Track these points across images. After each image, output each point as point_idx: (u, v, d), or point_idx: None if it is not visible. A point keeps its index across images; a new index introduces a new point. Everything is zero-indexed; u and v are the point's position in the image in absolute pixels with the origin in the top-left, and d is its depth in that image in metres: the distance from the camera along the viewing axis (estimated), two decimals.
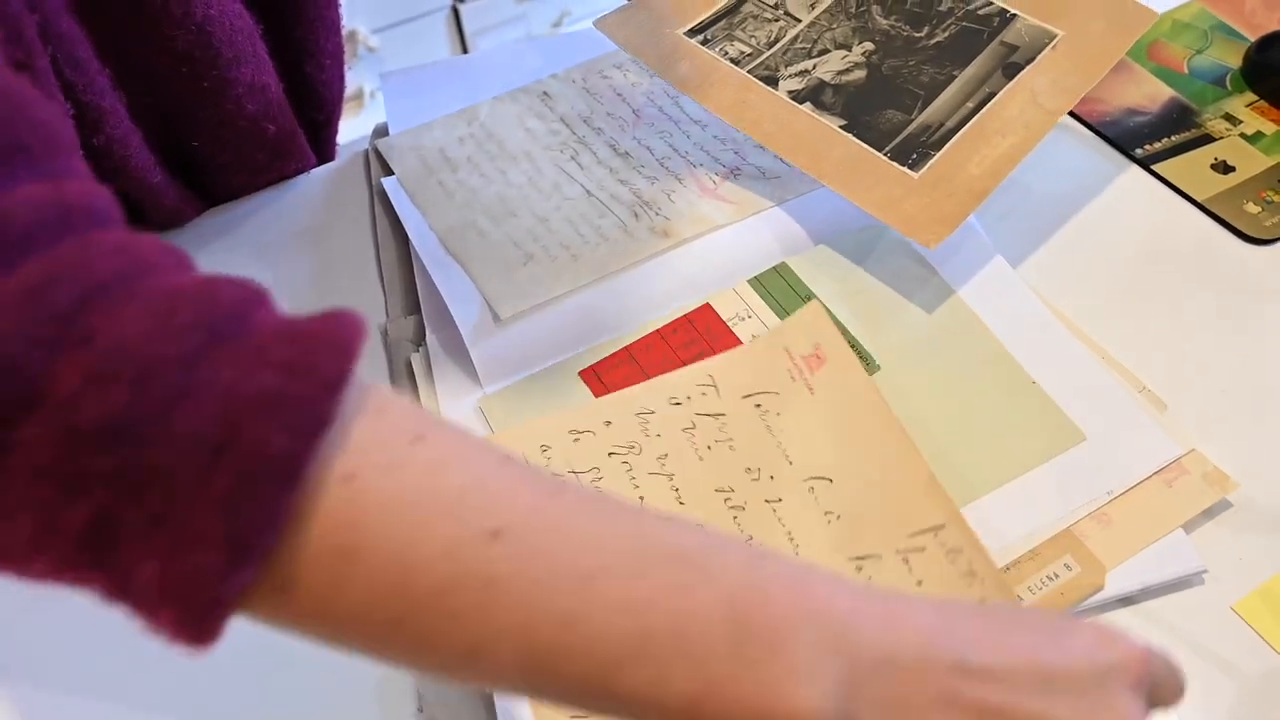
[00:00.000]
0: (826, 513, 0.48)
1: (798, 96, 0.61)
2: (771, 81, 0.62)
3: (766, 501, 0.49)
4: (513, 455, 0.30)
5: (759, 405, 0.52)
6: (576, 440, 0.51)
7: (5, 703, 0.45)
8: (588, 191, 0.61)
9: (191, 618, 0.26)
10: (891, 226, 0.55)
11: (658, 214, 0.60)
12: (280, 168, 0.66)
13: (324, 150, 0.71)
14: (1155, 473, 0.50)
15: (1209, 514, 0.50)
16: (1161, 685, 0.32)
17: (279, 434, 0.26)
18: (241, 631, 0.48)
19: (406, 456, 0.28)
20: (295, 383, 0.26)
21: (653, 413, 0.52)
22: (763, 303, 0.56)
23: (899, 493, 0.48)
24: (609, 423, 0.52)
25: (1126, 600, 0.47)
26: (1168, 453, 0.50)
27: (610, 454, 0.51)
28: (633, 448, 0.51)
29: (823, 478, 0.49)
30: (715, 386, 0.53)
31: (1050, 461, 0.50)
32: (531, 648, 0.27)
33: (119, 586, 0.26)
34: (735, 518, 0.49)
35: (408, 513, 0.27)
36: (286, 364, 0.27)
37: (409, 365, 0.56)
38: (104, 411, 0.25)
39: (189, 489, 0.25)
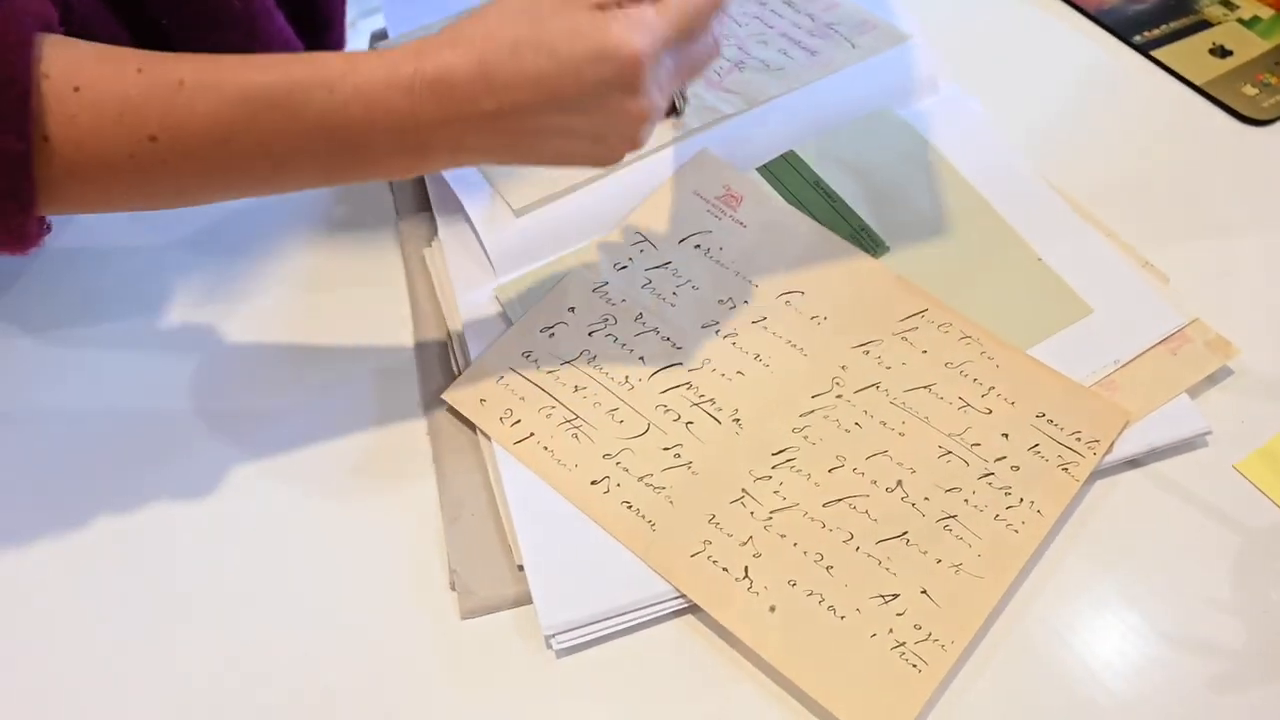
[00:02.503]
0: (813, 317, 0.52)
1: None
2: None
3: (753, 323, 0.52)
4: (143, 59, 0.40)
5: (698, 246, 0.55)
6: (552, 335, 0.52)
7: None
8: None
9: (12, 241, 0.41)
10: None
11: None
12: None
13: None
14: (1160, 342, 0.51)
15: (1212, 380, 0.51)
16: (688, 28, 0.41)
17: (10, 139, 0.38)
18: (274, 527, 0.49)
19: (76, 106, 0.39)
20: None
21: (606, 283, 0.54)
22: (773, 191, 0.57)
23: (873, 291, 0.53)
24: (572, 308, 0.53)
25: (1134, 462, 0.49)
26: (1171, 322, 0.52)
27: (590, 333, 0.52)
28: (607, 319, 0.53)
29: (794, 291, 0.53)
30: (649, 241, 0.55)
31: (1059, 334, 0.52)
32: (217, 185, 0.42)
33: None
34: (733, 343, 0.52)
35: (92, 146, 0.39)
36: None
37: (423, 260, 0.57)
38: None
39: None
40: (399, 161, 0.42)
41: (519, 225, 0.55)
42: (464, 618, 0.46)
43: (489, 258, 0.55)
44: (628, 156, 0.44)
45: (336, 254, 0.58)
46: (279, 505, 0.49)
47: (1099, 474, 0.48)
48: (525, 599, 0.46)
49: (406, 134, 0.40)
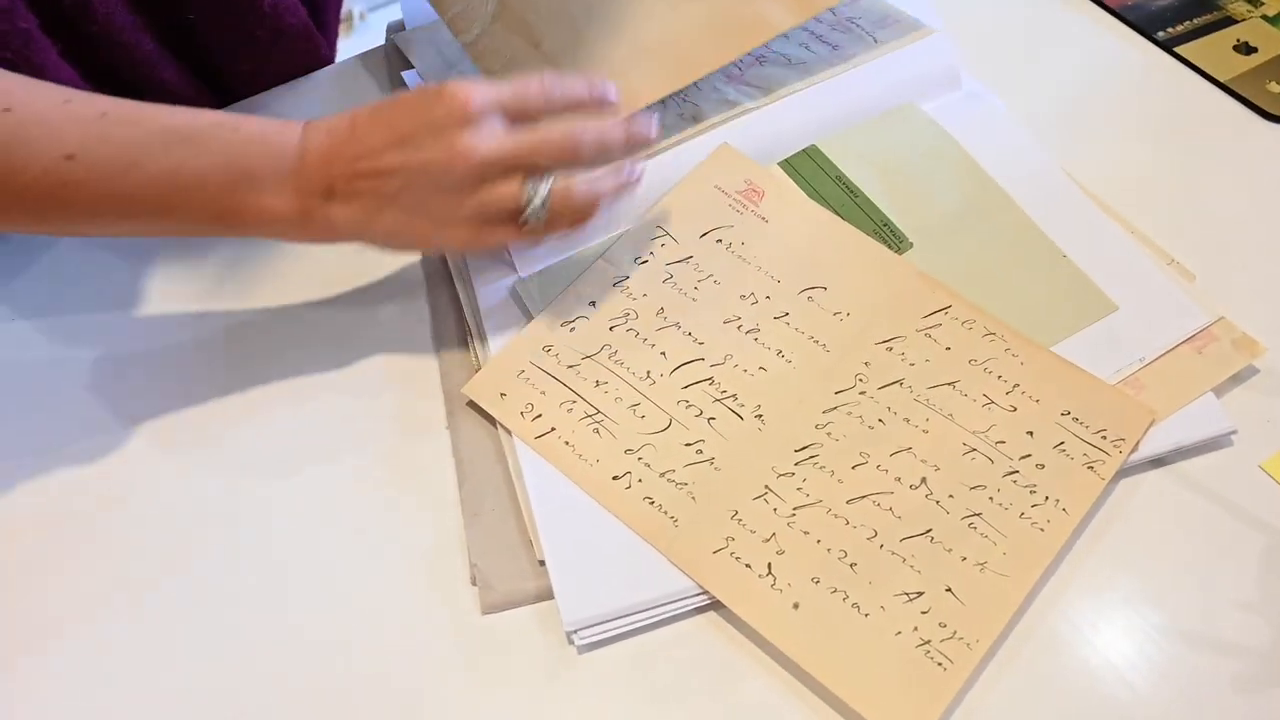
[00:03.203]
0: (836, 313, 0.51)
1: None
2: None
3: (775, 318, 0.52)
4: (71, 94, 0.44)
5: (720, 240, 0.54)
6: (573, 330, 0.52)
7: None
8: None
9: None
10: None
11: (685, 100, 0.59)
12: (287, 49, 0.64)
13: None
14: (1185, 340, 0.51)
15: (1238, 379, 0.51)
16: (522, 105, 0.46)
17: None
18: (294, 522, 0.49)
19: (2, 124, 0.42)
20: None
21: (627, 277, 0.53)
22: (794, 185, 0.57)
23: (896, 287, 0.52)
24: (593, 303, 0.53)
25: (1159, 461, 0.49)
26: (1197, 321, 0.51)
27: (611, 328, 0.52)
28: (628, 314, 0.52)
29: (816, 286, 0.52)
30: (669, 235, 0.55)
31: (1084, 331, 0.51)
32: (116, 209, 0.45)
33: None
34: (756, 338, 0.51)
35: (13, 160, 0.42)
36: None
37: (443, 254, 0.56)
38: None
39: None
40: (281, 203, 0.46)
41: None
42: (485, 613, 0.45)
43: (509, 251, 0.55)
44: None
45: (353, 249, 0.58)
46: (298, 500, 0.49)
47: (1124, 473, 0.48)
48: (547, 594, 0.45)
49: (291, 175, 0.45)
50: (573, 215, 0.47)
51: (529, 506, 0.47)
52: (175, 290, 0.56)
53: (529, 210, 0.46)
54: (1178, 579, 0.46)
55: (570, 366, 0.51)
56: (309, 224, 0.46)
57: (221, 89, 0.65)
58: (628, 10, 0.58)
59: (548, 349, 0.51)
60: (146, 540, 0.48)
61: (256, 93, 0.65)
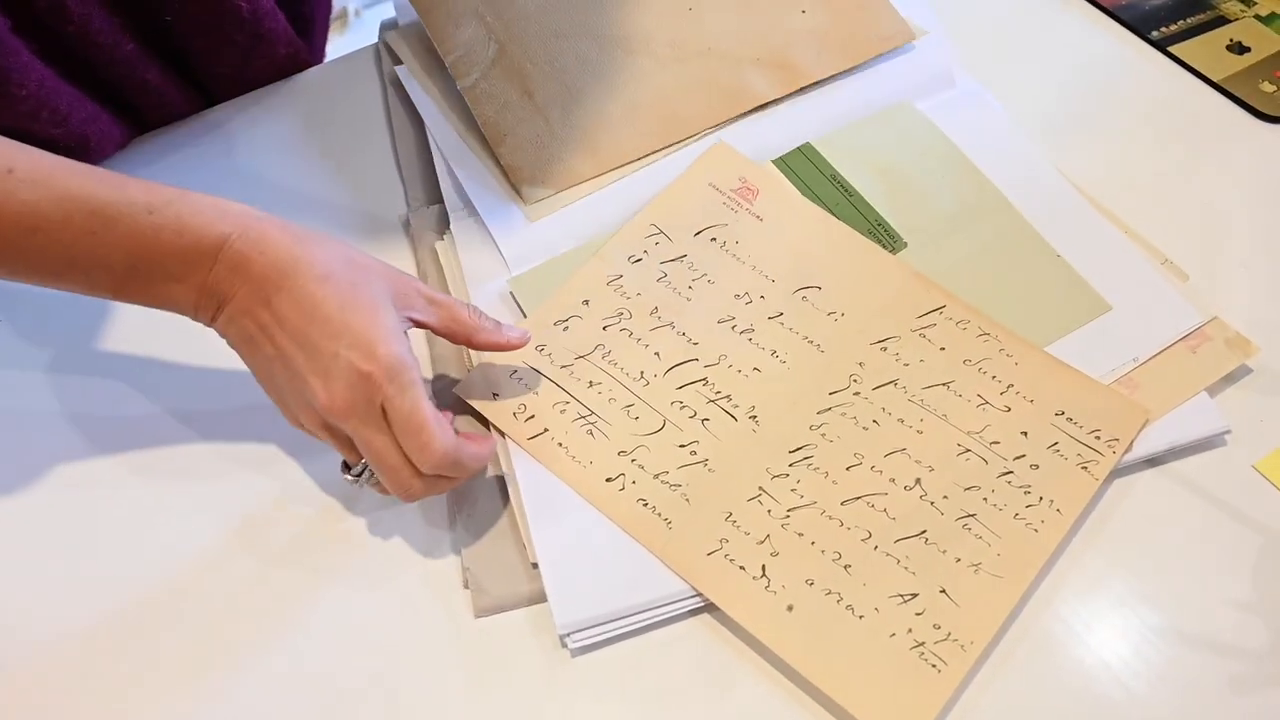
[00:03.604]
0: (830, 313, 0.51)
1: None
2: None
3: (770, 318, 0.51)
4: None
5: (714, 239, 0.54)
6: (566, 329, 0.51)
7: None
8: None
9: None
10: None
11: None
12: (267, 53, 0.63)
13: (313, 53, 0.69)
14: (1179, 339, 0.51)
15: (1231, 378, 0.51)
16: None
17: None
18: (285, 524, 0.49)
19: None
20: None
21: (621, 276, 0.53)
22: (789, 184, 0.56)
23: (891, 287, 0.52)
24: (586, 301, 0.52)
25: (1153, 461, 0.49)
26: (1191, 320, 0.51)
27: (605, 327, 0.52)
28: (622, 313, 0.52)
29: (811, 286, 0.52)
30: (663, 233, 0.54)
31: (1078, 331, 0.51)
32: (13, 267, 0.43)
33: None
34: (750, 339, 0.51)
35: None
36: None
37: (435, 253, 0.56)
38: None
39: None
40: (180, 292, 0.43)
41: (532, 217, 0.55)
42: (478, 616, 0.45)
43: (501, 250, 0.54)
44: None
45: None
46: (289, 503, 0.49)
47: (1117, 473, 0.48)
48: (540, 597, 0.45)
49: (196, 271, 0.43)
50: (390, 495, 0.46)
51: (521, 509, 0.47)
52: None
53: (352, 475, 0.45)
54: (1172, 579, 0.46)
55: (563, 366, 0.50)
56: (200, 315, 0.45)
57: (206, 89, 0.64)
58: (619, 67, 0.58)
59: (541, 348, 0.51)
60: (141, 543, 0.48)
61: (241, 93, 0.65)
